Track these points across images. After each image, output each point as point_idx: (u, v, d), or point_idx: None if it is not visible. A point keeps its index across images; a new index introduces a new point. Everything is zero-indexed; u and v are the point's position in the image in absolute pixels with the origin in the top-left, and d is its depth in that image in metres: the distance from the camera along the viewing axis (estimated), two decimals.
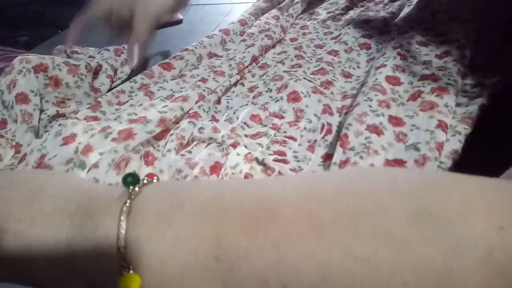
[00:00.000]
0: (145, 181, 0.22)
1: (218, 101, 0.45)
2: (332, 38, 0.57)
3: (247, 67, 0.50)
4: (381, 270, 0.16)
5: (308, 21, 0.65)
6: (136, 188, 0.21)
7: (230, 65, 0.49)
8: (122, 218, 0.20)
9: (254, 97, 0.45)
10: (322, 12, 0.65)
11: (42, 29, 1.12)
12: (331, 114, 0.40)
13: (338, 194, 0.19)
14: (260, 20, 0.65)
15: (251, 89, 0.47)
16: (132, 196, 0.21)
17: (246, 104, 0.43)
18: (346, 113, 0.39)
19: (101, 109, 0.42)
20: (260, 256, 0.18)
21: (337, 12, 0.65)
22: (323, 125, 0.38)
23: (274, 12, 0.67)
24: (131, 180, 0.21)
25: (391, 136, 0.34)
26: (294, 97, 0.42)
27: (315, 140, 0.37)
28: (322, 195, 0.19)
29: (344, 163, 0.31)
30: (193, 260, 0.19)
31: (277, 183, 0.22)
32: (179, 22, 0.75)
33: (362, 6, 0.65)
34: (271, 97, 0.44)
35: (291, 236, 0.18)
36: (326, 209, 0.18)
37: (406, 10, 0.56)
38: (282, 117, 0.40)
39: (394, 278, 0.16)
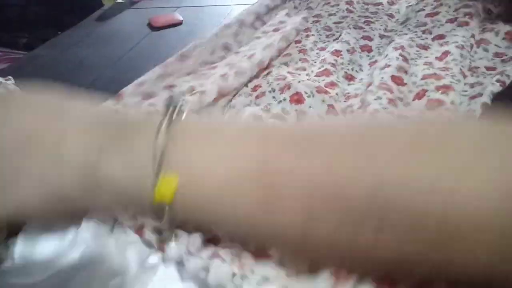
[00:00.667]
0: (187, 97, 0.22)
1: None
2: (334, 40, 0.57)
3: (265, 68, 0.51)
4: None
5: (311, 23, 0.65)
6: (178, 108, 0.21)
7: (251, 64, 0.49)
8: (162, 129, 0.20)
9: (257, 97, 0.45)
10: (324, 14, 0.65)
11: (42, 30, 1.12)
12: (336, 114, 0.40)
13: (391, 123, 0.20)
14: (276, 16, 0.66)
15: (254, 88, 0.47)
16: (174, 113, 0.21)
17: (249, 104, 0.44)
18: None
19: None
20: (306, 173, 0.18)
21: (338, 14, 0.65)
22: None
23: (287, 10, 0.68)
24: (171, 102, 0.21)
25: None
26: (297, 99, 0.42)
27: None
28: (376, 124, 0.20)
29: None
30: (234, 175, 0.19)
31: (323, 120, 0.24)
32: (179, 23, 0.75)
33: (363, 9, 0.65)
34: (274, 97, 0.44)
35: (341, 156, 0.18)
36: (377, 133, 0.19)
37: (405, 13, 0.58)
38: (283, 119, 0.40)
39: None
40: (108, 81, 0.57)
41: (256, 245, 0.21)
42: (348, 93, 0.44)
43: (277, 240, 0.20)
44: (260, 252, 0.22)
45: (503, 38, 0.47)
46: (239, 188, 0.19)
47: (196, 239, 0.22)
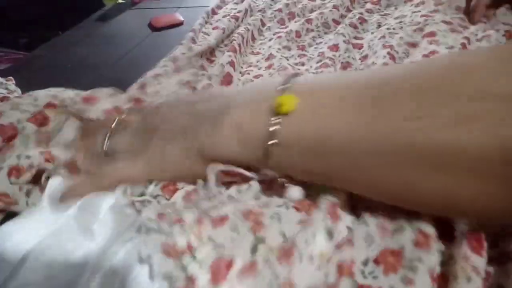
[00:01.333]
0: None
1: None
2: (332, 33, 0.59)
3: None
4: None
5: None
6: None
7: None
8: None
9: None
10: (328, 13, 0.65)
11: (43, 30, 1.12)
12: None
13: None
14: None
15: (256, 77, 0.50)
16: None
17: None
18: None
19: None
20: None
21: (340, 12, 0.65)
22: None
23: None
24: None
25: None
26: None
27: None
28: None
29: None
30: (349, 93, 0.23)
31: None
32: (180, 23, 0.75)
33: (360, 8, 0.65)
34: None
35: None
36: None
37: (398, 13, 0.61)
38: None
39: None
40: (108, 81, 0.56)
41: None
42: None
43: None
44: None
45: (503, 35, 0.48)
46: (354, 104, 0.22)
47: None
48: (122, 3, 0.98)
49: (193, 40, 0.59)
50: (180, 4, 0.89)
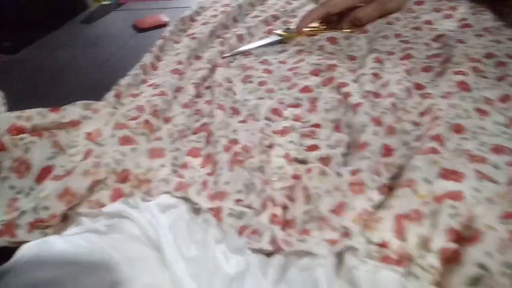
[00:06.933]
0: None
1: (234, 92, 0.48)
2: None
3: None
4: None
5: None
6: None
7: None
8: None
9: (267, 91, 0.47)
10: None
11: (26, 33, 1.11)
12: (346, 85, 0.44)
13: None
14: None
15: (261, 84, 0.49)
16: None
17: (262, 98, 0.46)
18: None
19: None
20: None
21: None
22: (340, 99, 0.42)
23: None
24: None
25: None
26: (307, 90, 0.46)
27: (338, 119, 0.40)
28: None
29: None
30: None
31: None
32: (165, 24, 0.75)
33: None
34: (284, 93, 0.46)
35: None
36: None
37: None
38: (299, 105, 0.44)
39: None
40: (94, 83, 0.56)
41: None
42: (354, 69, 0.49)
43: None
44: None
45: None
46: None
47: None
48: (106, 4, 0.97)
49: (161, 48, 0.59)
50: (165, 5, 0.89)
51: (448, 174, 0.29)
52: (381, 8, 0.60)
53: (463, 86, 0.40)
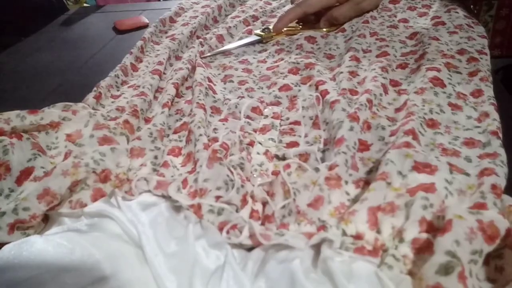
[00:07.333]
0: None
1: (214, 92, 0.48)
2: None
3: None
4: None
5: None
6: None
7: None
8: None
9: (247, 90, 0.48)
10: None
11: (3, 37, 1.10)
12: (324, 83, 0.45)
13: None
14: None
15: (241, 83, 0.50)
16: None
17: (243, 97, 0.47)
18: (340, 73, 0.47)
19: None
20: None
21: None
22: (317, 96, 0.43)
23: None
24: None
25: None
26: (286, 88, 0.47)
27: (317, 116, 0.40)
28: None
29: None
30: None
31: None
32: (145, 26, 0.75)
33: None
34: (263, 92, 0.47)
35: None
36: None
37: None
38: (279, 103, 0.45)
39: None
40: (73, 85, 0.56)
41: None
42: (332, 67, 0.51)
43: None
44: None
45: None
46: None
47: None
48: (86, 7, 0.97)
49: (142, 49, 0.60)
50: (145, 7, 0.89)
51: (421, 167, 0.30)
52: (356, 7, 0.61)
53: (437, 82, 0.41)
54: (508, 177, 0.30)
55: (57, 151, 0.38)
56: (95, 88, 0.47)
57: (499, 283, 0.24)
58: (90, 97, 0.46)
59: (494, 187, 0.28)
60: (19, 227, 0.29)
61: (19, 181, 0.33)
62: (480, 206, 0.27)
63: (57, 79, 0.58)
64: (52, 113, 0.39)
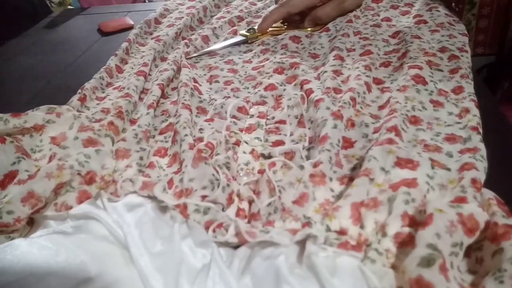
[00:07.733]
0: None
1: (200, 92, 0.48)
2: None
3: None
4: None
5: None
6: None
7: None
8: None
9: (233, 90, 0.49)
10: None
11: None
12: (309, 82, 0.45)
13: None
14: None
15: (227, 83, 0.50)
16: None
17: (229, 97, 0.47)
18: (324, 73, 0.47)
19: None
20: None
21: None
22: (302, 96, 0.43)
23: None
24: None
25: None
26: (271, 87, 0.47)
27: (301, 114, 0.41)
28: None
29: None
30: None
31: None
32: (130, 27, 0.75)
33: None
34: (249, 92, 0.48)
35: None
36: None
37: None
38: (265, 103, 0.45)
39: None
40: (57, 88, 0.56)
41: None
42: (317, 66, 0.51)
43: None
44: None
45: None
46: None
47: None
48: (70, 9, 0.96)
49: (127, 51, 0.59)
50: (129, 9, 0.88)
51: (404, 163, 0.31)
52: (339, 6, 0.61)
53: (419, 80, 0.42)
54: (488, 171, 0.31)
55: (41, 154, 0.37)
56: (79, 90, 0.47)
57: (479, 274, 0.25)
58: (74, 99, 0.45)
59: (474, 181, 0.29)
60: (3, 230, 0.29)
61: (3, 184, 0.33)
62: (460, 200, 0.27)
63: (41, 82, 0.58)
64: (36, 116, 0.39)
